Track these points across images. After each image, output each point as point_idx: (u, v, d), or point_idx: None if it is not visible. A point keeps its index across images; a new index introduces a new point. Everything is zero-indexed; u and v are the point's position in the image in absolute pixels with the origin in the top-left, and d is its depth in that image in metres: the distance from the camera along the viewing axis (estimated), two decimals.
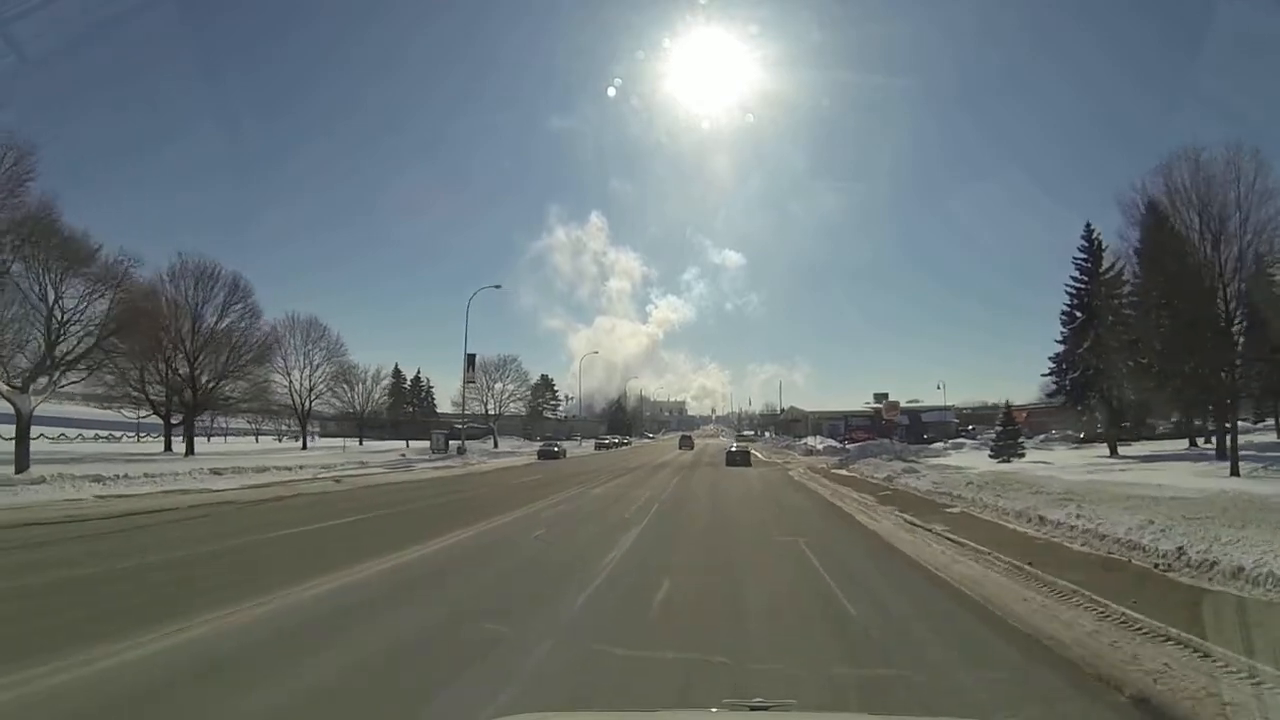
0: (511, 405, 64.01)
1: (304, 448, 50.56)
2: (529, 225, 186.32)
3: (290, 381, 51.66)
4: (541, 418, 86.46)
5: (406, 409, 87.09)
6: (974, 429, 71.87)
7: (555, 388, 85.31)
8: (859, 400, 79.41)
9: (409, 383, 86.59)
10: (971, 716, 3.87)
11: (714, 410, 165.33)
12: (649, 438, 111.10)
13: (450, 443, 42.70)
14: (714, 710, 2.70)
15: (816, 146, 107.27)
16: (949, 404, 74.45)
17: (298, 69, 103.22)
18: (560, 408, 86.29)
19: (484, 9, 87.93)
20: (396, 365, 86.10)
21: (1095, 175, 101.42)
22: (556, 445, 44.77)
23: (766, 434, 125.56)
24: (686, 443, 66.24)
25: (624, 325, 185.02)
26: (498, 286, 42.35)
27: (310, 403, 53.14)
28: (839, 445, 44.08)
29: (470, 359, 40.54)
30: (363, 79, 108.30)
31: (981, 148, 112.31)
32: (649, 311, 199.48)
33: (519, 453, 46.13)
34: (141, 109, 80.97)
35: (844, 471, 27.78)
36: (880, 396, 78.09)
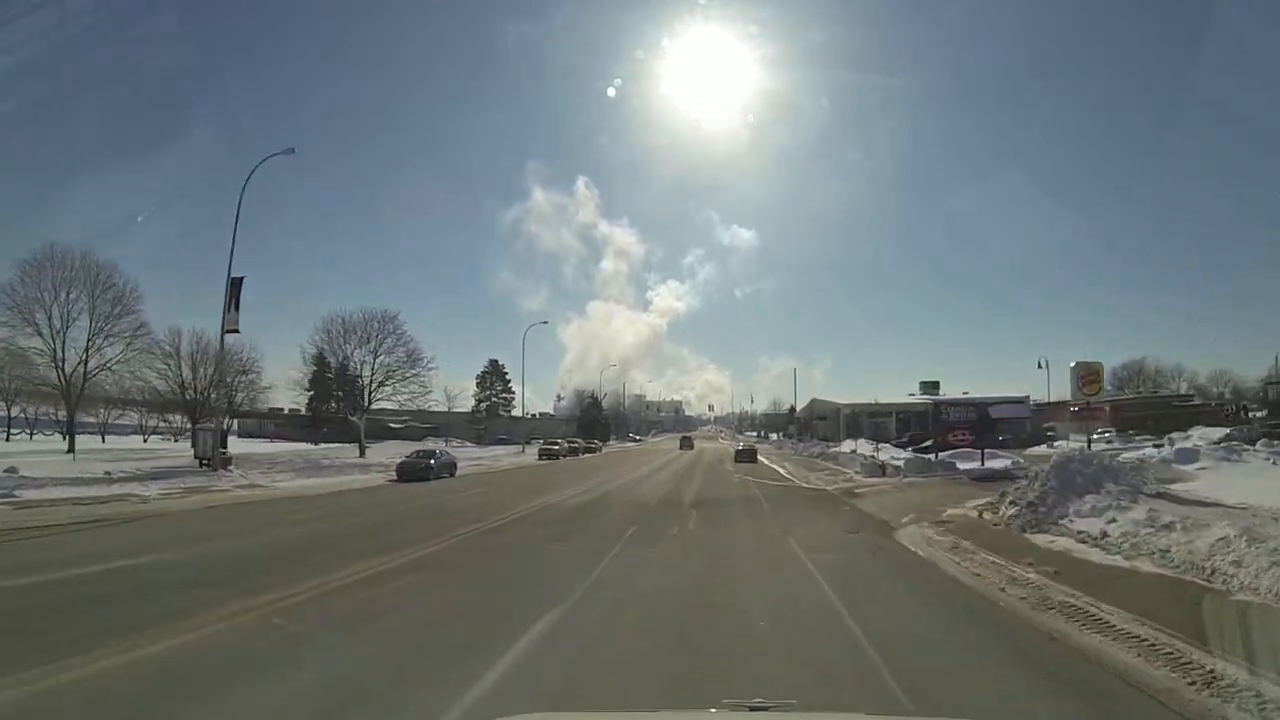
0: (391, 392, 44.53)
1: (70, 450, 32.27)
2: (514, 200, 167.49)
3: (54, 350, 33.28)
4: (495, 415, 68.13)
5: (330, 404, 68.52)
6: (1054, 427, 53.23)
7: (508, 376, 66.92)
8: (883, 395, 61.47)
9: (333, 371, 68.13)
10: None
11: (712, 407, 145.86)
12: (635, 440, 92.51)
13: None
14: (714, 710, 2.63)
15: (822, 135, 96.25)
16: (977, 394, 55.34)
17: (296, 69, 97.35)
18: (513, 402, 67.91)
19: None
20: (320, 350, 67.78)
21: (1095, 175, 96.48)
22: (434, 456, 26.33)
23: (774, 436, 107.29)
24: (687, 444, 64.66)
25: (622, 313, 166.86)
26: (291, 151, 22.18)
27: (83, 383, 34.53)
28: (926, 456, 25.82)
29: (234, 286, 21.60)
30: (361, 79, 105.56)
31: (1000, 140, 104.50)
32: (649, 299, 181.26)
33: (381, 467, 27.64)
34: (139, 110, 78.61)
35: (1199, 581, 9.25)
36: (929, 386, 59.60)
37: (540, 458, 41.92)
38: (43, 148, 69.77)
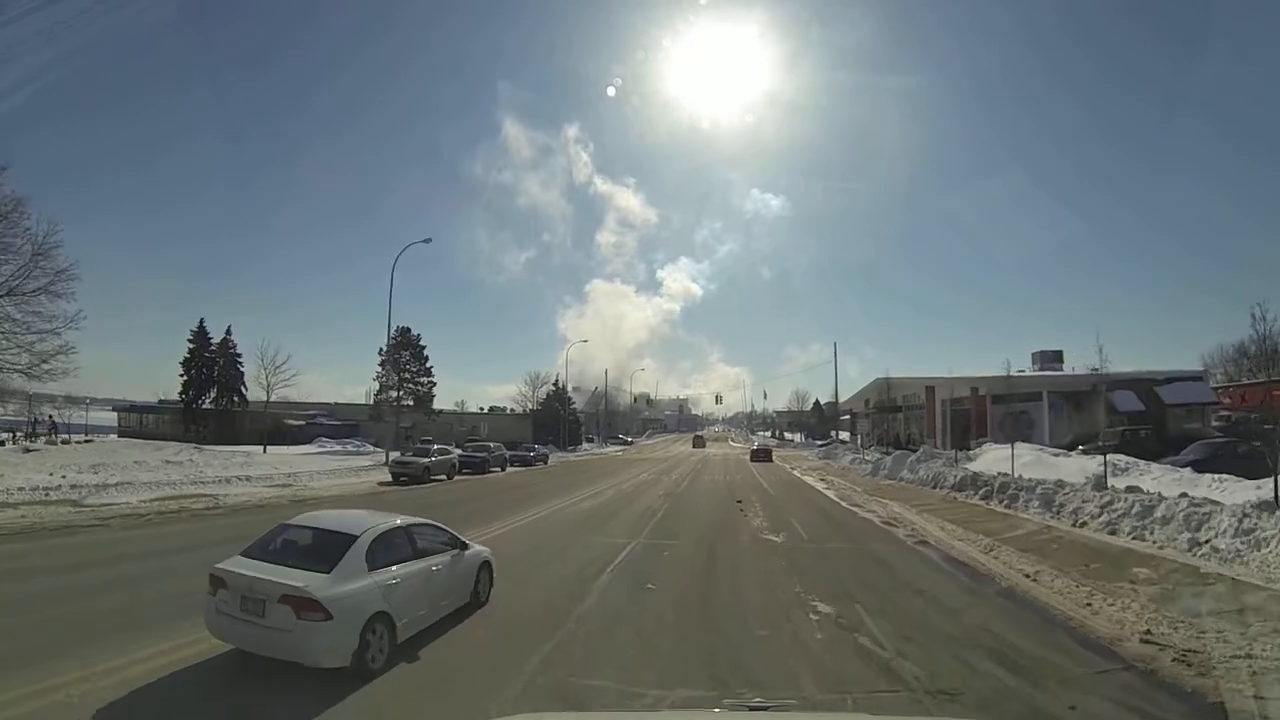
0: None
1: None
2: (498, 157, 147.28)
3: None
4: (424, 409, 47.86)
5: (210, 392, 49.62)
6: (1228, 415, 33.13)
7: (425, 353, 46.62)
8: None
9: (214, 348, 49.04)
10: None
11: (720, 399, 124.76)
12: (625, 443, 72.04)
13: None
14: (714, 710, 2.79)
15: (867, 78, 78.10)
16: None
17: (299, 77, 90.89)
18: (430, 391, 47.65)
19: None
20: (202, 322, 49.12)
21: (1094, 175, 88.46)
22: None
23: (796, 437, 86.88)
24: (699, 443, 66.00)
25: (628, 295, 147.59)
26: None
27: None
28: None
29: None
30: (365, 82, 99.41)
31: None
32: (660, 279, 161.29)
33: None
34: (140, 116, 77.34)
35: None
36: (1049, 356, 37.37)
37: (395, 478, 21.88)
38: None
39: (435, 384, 47.14)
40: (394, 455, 25.25)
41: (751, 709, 2.26)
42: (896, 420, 36.39)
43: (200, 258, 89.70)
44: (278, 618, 4.36)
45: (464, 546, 6.36)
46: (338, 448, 41.65)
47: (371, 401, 46.91)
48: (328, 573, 4.61)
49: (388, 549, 5.21)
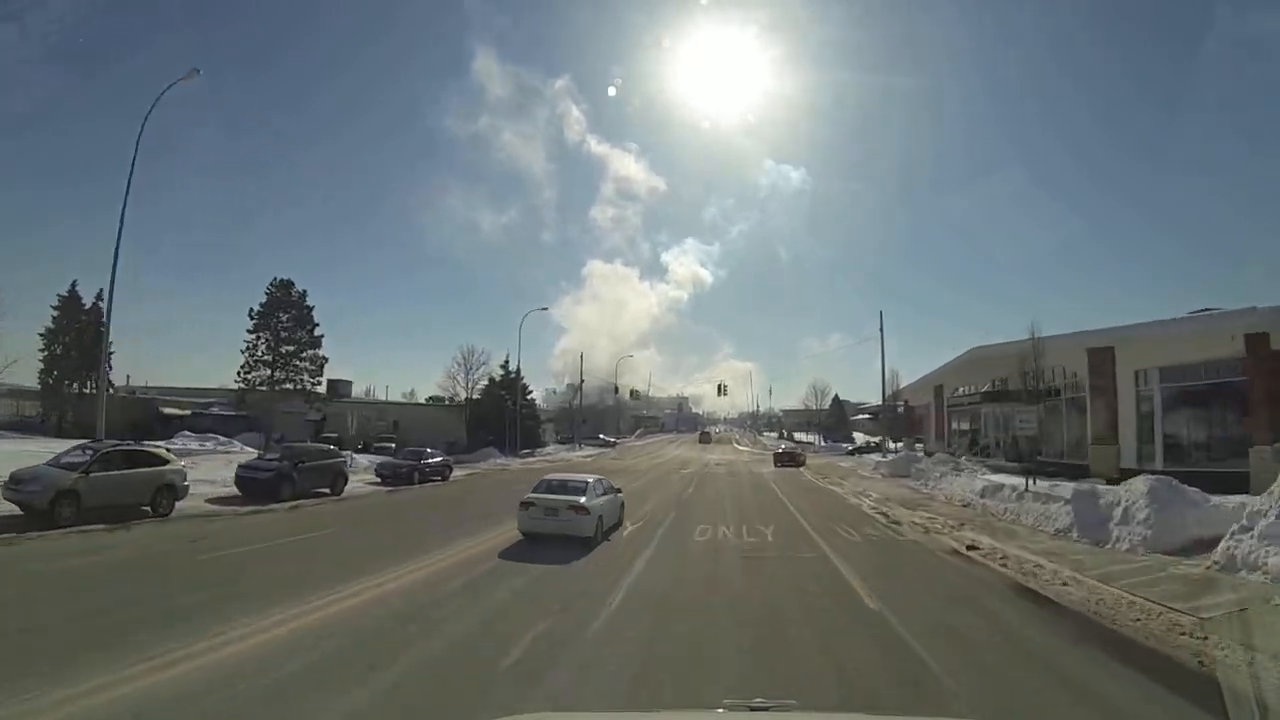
0: None
1: None
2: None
3: None
4: (309, 396, 34.50)
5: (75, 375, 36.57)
6: None
7: (312, 316, 33.32)
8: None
9: (84, 314, 36.59)
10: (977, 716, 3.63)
11: (723, 390, 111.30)
12: (606, 445, 58.91)
13: None
14: (714, 710, 2.58)
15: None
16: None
17: (299, 77, 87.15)
18: (319, 369, 34.28)
19: None
20: (74, 285, 36.40)
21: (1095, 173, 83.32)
22: None
23: (815, 440, 73.96)
24: (705, 439, 73.47)
25: (630, 279, 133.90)
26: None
27: None
28: None
29: None
30: (368, 82, 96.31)
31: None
32: (665, 263, 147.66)
33: None
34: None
35: None
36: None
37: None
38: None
39: (326, 360, 34.01)
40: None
41: (752, 709, 2.04)
42: (1009, 415, 22.45)
43: (200, 256, 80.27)
44: (565, 515, 10.26)
45: (618, 490, 13.01)
46: (195, 445, 29.20)
47: (242, 382, 33.82)
48: (583, 496, 10.69)
49: (596, 488, 11.34)
